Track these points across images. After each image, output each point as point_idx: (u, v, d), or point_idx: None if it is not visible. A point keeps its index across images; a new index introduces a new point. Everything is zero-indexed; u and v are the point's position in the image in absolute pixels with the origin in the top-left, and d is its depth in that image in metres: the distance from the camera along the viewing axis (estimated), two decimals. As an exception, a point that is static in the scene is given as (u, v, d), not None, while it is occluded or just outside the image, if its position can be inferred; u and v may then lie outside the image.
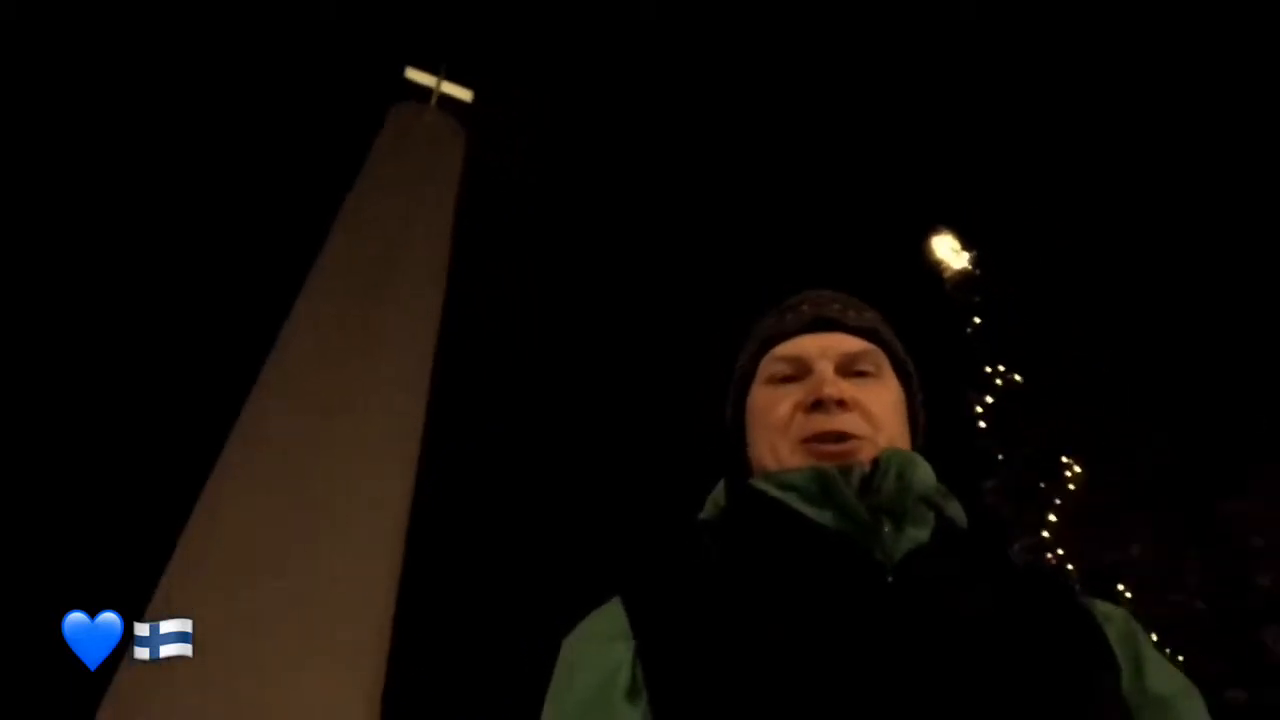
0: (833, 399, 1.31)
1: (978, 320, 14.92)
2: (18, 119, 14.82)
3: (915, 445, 1.43)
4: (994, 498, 12.00)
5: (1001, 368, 13.72)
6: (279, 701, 5.16)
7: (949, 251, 16.93)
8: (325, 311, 7.68)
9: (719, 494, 1.36)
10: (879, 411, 1.34)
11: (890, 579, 1.15)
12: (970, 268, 16.52)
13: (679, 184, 18.20)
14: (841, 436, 1.29)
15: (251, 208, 15.47)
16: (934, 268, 16.75)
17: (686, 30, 19.20)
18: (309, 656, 5.45)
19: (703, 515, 1.37)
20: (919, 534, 1.22)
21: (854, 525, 1.19)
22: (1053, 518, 11.44)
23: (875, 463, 1.27)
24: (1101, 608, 1.25)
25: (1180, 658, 9.45)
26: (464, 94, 12.74)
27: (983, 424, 13.15)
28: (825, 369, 1.35)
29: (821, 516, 1.21)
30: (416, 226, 9.43)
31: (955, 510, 1.29)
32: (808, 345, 1.39)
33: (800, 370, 1.37)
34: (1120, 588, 10.19)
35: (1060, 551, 11.13)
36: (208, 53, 16.09)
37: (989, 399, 13.35)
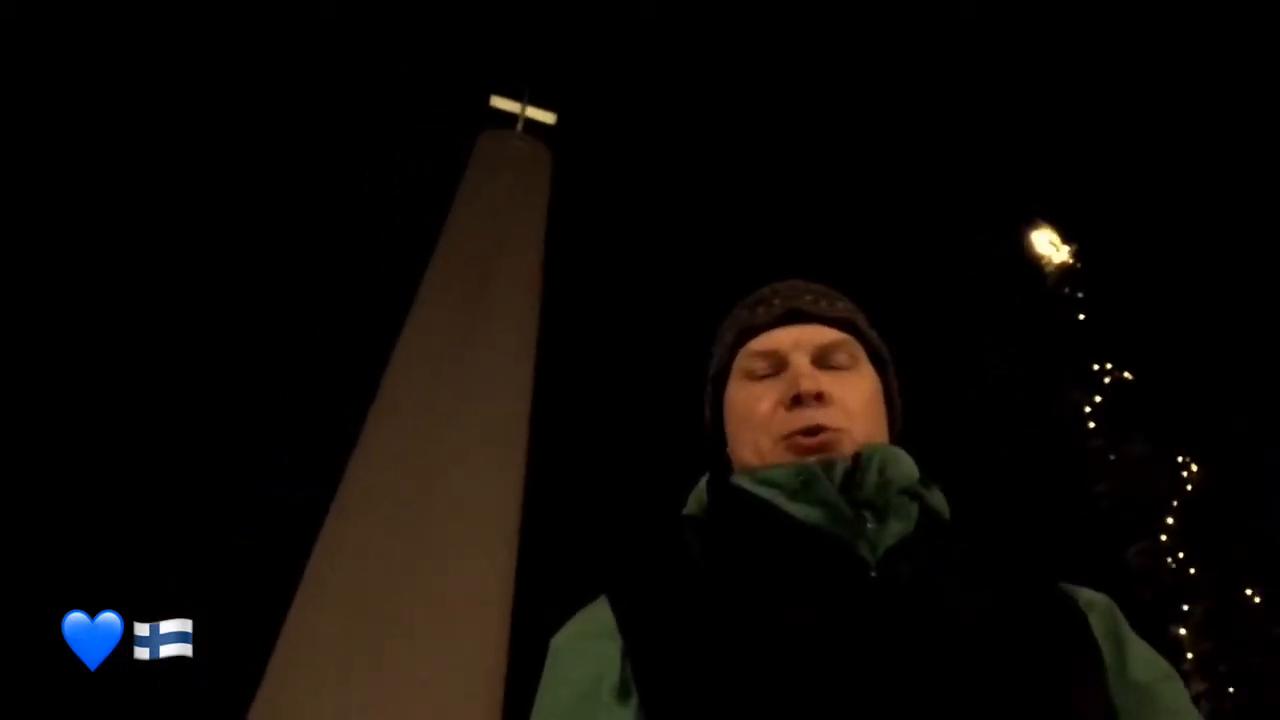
0: (811, 394, 1.28)
1: (1082, 316, 14.46)
2: (138, 138, 15.46)
3: (894, 435, 1.39)
4: (1105, 502, 11.61)
5: (1109, 365, 13.28)
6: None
7: (1048, 246, 16.51)
8: (429, 339, 7.98)
9: (701, 490, 1.32)
10: (856, 403, 1.31)
11: (874, 574, 1.13)
12: (1071, 261, 16.04)
13: (764, 192, 18.15)
14: (819, 430, 1.26)
15: (353, 241, 15.93)
16: (1034, 263, 16.34)
17: (765, 40, 19.15)
18: (427, 670, 5.61)
19: (686, 511, 1.35)
20: (902, 527, 1.18)
21: (837, 521, 1.17)
22: (1170, 520, 11.01)
23: (857, 458, 1.24)
24: (1085, 595, 1.21)
25: None
26: (548, 117, 13.02)
27: (1092, 424, 12.74)
28: (801, 362, 1.32)
29: (804, 513, 1.19)
30: (510, 250, 9.67)
31: (938, 501, 1.26)
32: (782, 339, 1.35)
33: (776, 365, 1.34)
34: (1249, 592, 9.78)
35: (1181, 555, 10.71)
36: (320, 107, 16.63)
37: (1097, 398, 12.94)
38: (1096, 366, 13.34)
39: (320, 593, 6.20)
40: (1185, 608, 9.95)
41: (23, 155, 14.50)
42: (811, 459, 1.23)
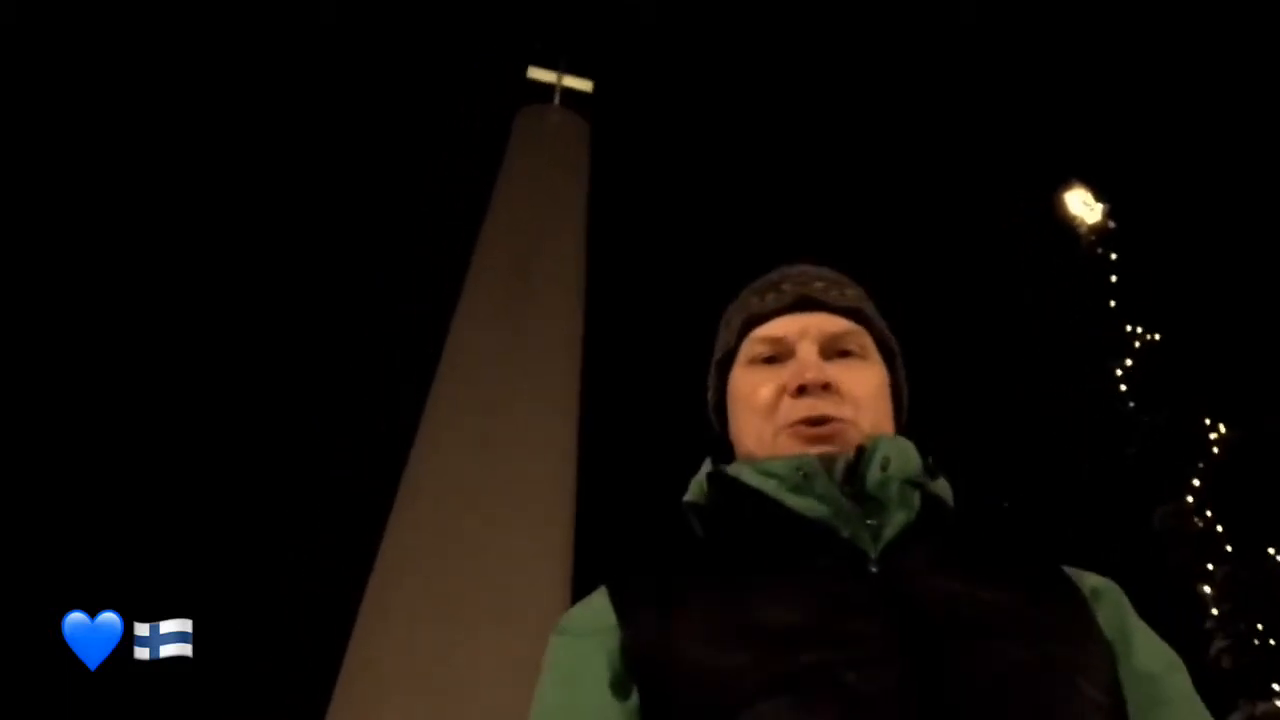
0: (817, 383, 1.29)
1: (1114, 278, 14.46)
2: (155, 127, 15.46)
3: (899, 425, 1.41)
4: (1136, 462, 11.80)
5: (1140, 329, 13.35)
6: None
7: (1081, 206, 16.42)
8: (479, 331, 8.26)
9: (703, 477, 1.33)
10: (863, 393, 1.32)
11: (874, 568, 1.14)
12: (1105, 221, 15.95)
13: (804, 160, 18.13)
14: (825, 420, 1.28)
15: (396, 223, 15.93)
16: (1067, 223, 16.27)
17: (808, 6, 19.01)
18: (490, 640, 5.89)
19: (687, 498, 1.35)
20: (904, 518, 1.21)
21: (837, 515, 1.18)
22: (1196, 482, 11.22)
23: (860, 450, 1.25)
24: (1090, 581, 1.23)
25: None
26: (585, 85, 13.09)
27: (1123, 386, 12.86)
28: (808, 351, 1.33)
29: (803, 505, 1.20)
30: (552, 225, 9.82)
31: (942, 489, 1.28)
32: (790, 326, 1.36)
33: (783, 352, 1.35)
34: (1272, 550, 10.01)
35: (1209, 514, 10.93)
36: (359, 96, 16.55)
37: (1129, 361, 13.05)
38: (1129, 328, 13.42)
39: (392, 582, 6.49)
40: (1210, 567, 10.18)
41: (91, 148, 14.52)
42: (815, 450, 1.25)
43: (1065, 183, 16.42)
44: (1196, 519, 10.94)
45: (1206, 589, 10.03)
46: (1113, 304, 14.11)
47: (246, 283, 15.35)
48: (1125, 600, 1.23)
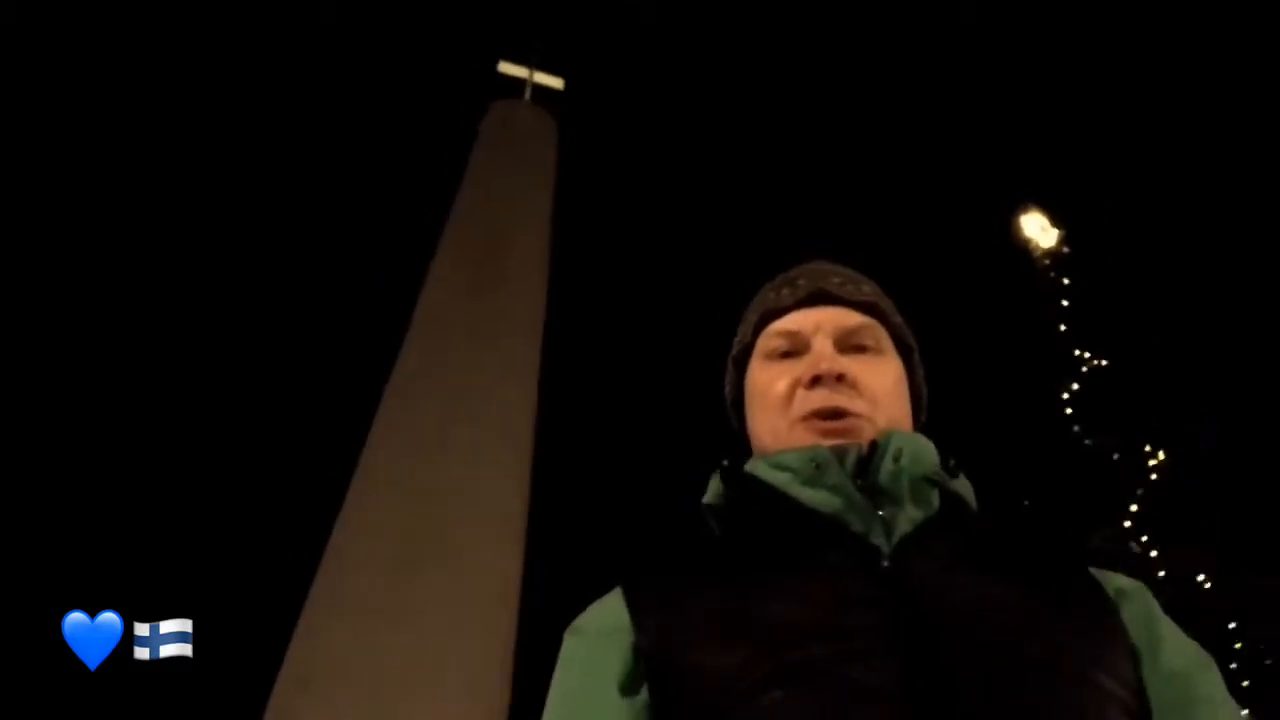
0: (831, 375, 1.28)
1: (1065, 303, 14.73)
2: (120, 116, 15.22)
3: (918, 422, 1.40)
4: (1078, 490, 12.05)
5: (1087, 354, 13.62)
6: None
7: (1038, 229, 16.68)
8: (441, 319, 8.24)
9: (717, 476, 1.33)
10: (878, 387, 1.31)
11: (886, 564, 1.13)
12: (1059, 246, 16.23)
13: (772, 161, 18.24)
14: (840, 413, 1.27)
15: (363, 215, 15.80)
16: (1022, 247, 16.51)
17: (779, 12, 19.12)
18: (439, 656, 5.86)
19: (706, 500, 1.34)
20: (919, 515, 1.19)
21: (850, 508, 1.17)
22: (1134, 507, 11.50)
23: (874, 444, 1.24)
24: (1116, 581, 1.22)
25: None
26: (556, 82, 13.08)
27: (1069, 410, 13.12)
28: (824, 345, 1.32)
29: (816, 499, 1.19)
30: (519, 221, 9.82)
31: (963, 488, 1.26)
32: (806, 320, 1.36)
33: (798, 346, 1.34)
34: (1200, 578, 10.31)
35: (1144, 539, 11.20)
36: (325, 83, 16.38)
37: (1075, 385, 13.32)
38: (1077, 352, 13.69)
39: (340, 567, 6.47)
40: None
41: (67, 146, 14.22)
42: (829, 442, 1.23)
43: (1022, 206, 16.69)
44: (1133, 543, 11.20)
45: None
46: (1063, 328, 14.38)
47: (237, 283, 15.21)
48: (1153, 600, 1.22)
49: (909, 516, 1.18)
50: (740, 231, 16.70)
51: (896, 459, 1.20)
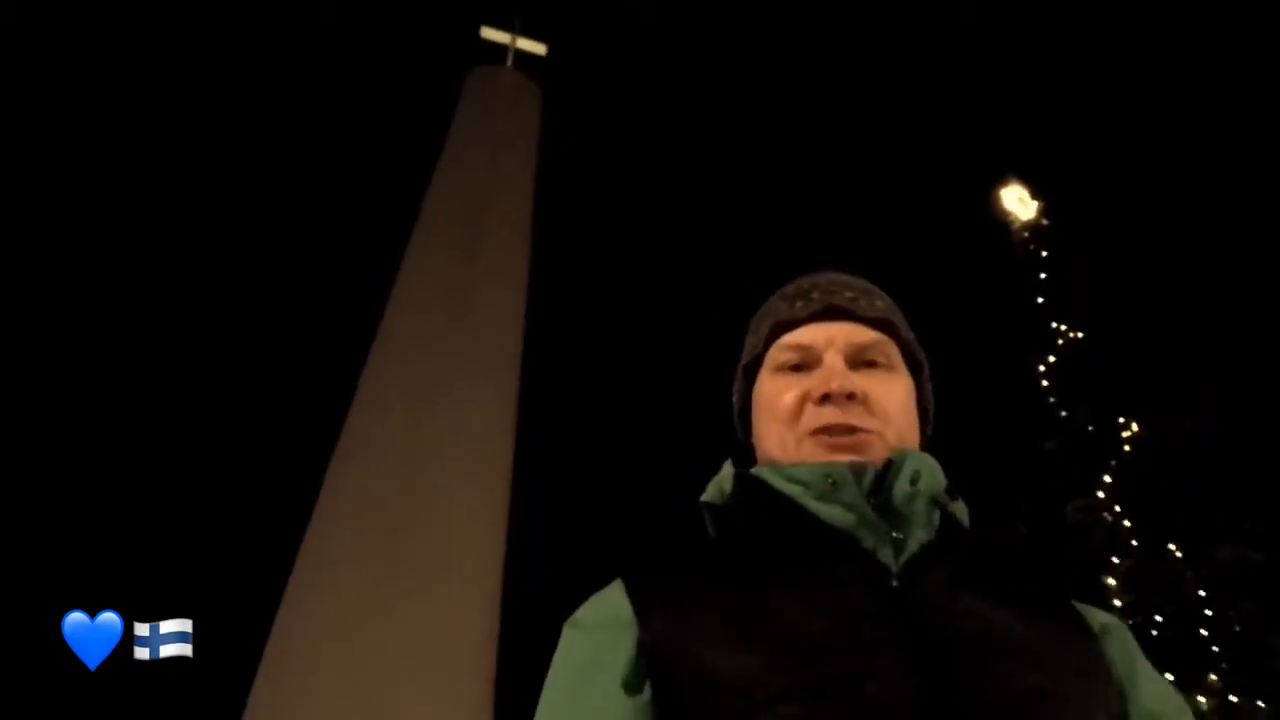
0: (842, 393, 1.29)
1: (1043, 275, 14.81)
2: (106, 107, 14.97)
3: (924, 438, 1.41)
4: (1054, 458, 12.21)
5: (1064, 326, 13.74)
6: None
7: (1016, 202, 16.71)
8: (424, 285, 8.20)
9: (724, 479, 1.33)
10: (889, 404, 1.32)
11: (895, 583, 1.14)
12: (1039, 219, 16.27)
13: (755, 129, 18.18)
14: (850, 430, 1.28)
15: (345, 182, 15.63)
16: (1001, 219, 16.54)
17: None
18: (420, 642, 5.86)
19: (705, 498, 1.34)
20: (925, 537, 1.21)
21: (862, 526, 1.18)
22: (1108, 478, 11.65)
23: (888, 463, 1.25)
24: (1099, 618, 1.25)
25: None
26: (539, 48, 12.97)
27: (1045, 382, 13.25)
28: (835, 360, 1.33)
29: (830, 514, 1.19)
30: (501, 189, 9.77)
31: (960, 510, 1.28)
32: (818, 334, 1.36)
33: (809, 360, 1.35)
34: (1172, 546, 10.49)
35: (1118, 509, 11.36)
36: (303, 48, 16.11)
37: (1051, 358, 13.44)
38: (1054, 325, 13.82)
39: (318, 563, 6.46)
40: (1115, 560, 10.60)
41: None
42: (841, 459, 1.24)
43: (1002, 179, 16.71)
44: (1106, 514, 11.36)
45: (1111, 581, 10.45)
46: (1040, 300, 14.46)
47: (232, 277, 15.05)
48: (1133, 640, 1.25)
49: (917, 537, 1.20)
50: (724, 201, 16.67)
51: (913, 481, 1.21)
